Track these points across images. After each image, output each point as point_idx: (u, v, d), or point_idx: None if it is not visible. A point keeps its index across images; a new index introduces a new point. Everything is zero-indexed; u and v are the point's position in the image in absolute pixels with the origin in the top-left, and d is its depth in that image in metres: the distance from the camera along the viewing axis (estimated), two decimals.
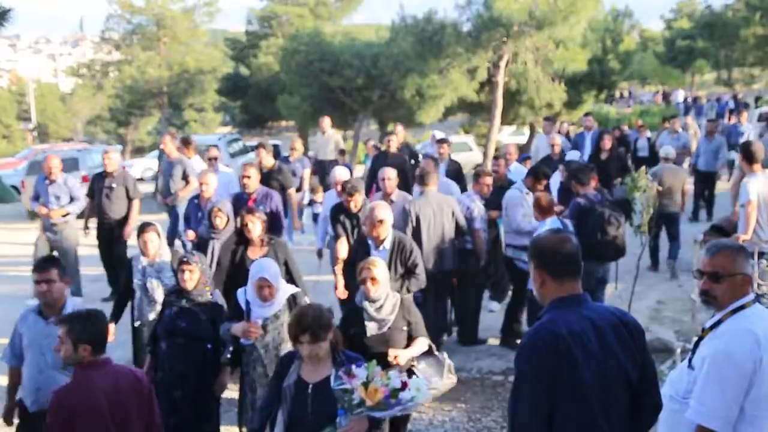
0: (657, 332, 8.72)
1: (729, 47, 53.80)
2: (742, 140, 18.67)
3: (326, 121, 18.00)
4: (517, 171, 11.47)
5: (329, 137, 17.67)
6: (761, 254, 7.49)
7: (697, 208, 16.10)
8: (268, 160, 12.19)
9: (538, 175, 9.42)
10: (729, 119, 23.65)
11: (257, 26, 36.96)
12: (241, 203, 9.35)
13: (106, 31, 31.56)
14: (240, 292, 6.00)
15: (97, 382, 4.27)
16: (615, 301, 9.51)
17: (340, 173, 9.93)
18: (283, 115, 31.26)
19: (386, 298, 5.83)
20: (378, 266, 5.77)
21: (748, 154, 8.21)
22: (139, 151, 50.88)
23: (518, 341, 9.00)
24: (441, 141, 12.90)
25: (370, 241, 7.33)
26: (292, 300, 6.01)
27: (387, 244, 7.23)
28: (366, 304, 5.79)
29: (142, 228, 7.39)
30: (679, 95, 50.60)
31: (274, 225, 8.90)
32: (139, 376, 4.60)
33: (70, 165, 22.07)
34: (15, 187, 21.40)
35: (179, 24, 29.74)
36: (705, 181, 15.99)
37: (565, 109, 31.31)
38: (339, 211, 8.64)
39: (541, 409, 3.22)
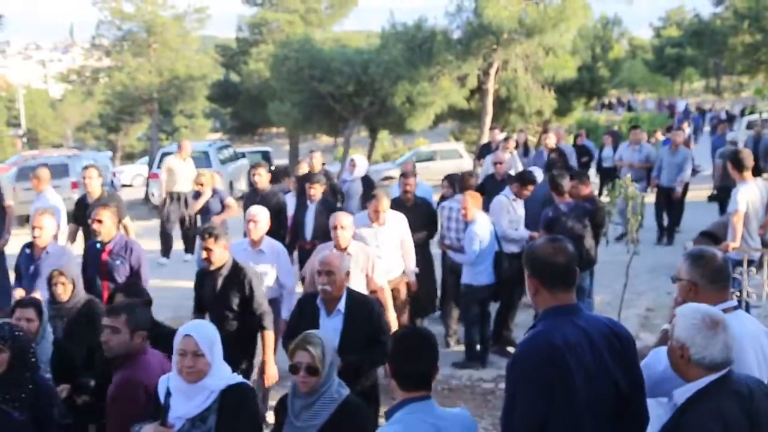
0: (646, 340, 8.74)
1: (717, 55, 54.11)
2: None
3: (186, 145, 15.07)
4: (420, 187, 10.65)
5: (187, 165, 14.66)
6: (750, 262, 7.53)
7: (662, 230, 14.44)
8: (96, 187, 9.67)
9: (524, 180, 9.52)
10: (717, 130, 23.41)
11: (247, 33, 36.94)
12: (93, 256, 7.27)
13: (97, 37, 31.44)
14: (162, 380, 4.25)
15: (156, 367, 4.49)
16: (605, 309, 9.53)
17: (255, 212, 7.55)
18: (274, 121, 31.21)
19: (321, 395, 4.09)
20: (319, 346, 4.05)
21: (736, 162, 8.22)
22: (129, 158, 50.80)
23: (508, 348, 9.02)
24: (309, 179, 10.48)
25: (318, 303, 5.52)
26: (235, 399, 4.06)
27: (341, 306, 5.49)
28: (296, 402, 4.15)
29: (18, 306, 5.60)
30: (681, 105, 50.62)
31: (133, 289, 5.95)
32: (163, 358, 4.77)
33: (60, 171, 22.04)
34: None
35: (169, 30, 29.65)
36: (669, 198, 14.22)
37: (555, 116, 31.43)
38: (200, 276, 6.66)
39: (535, 421, 3.20)
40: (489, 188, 11.00)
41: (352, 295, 5.58)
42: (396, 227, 8.20)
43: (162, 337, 4.95)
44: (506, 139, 15.00)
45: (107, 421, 4.44)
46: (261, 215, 7.46)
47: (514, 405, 3.27)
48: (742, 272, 7.15)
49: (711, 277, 3.77)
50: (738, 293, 6.95)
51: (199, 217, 12.52)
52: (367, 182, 11.67)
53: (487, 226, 8.59)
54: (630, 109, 55.20)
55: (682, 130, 23.22)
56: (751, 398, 3.12)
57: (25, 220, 22.14)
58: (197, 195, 12.28)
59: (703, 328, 3.12)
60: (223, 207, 11.92)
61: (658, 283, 11.66)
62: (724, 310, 3.59)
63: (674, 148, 14.25)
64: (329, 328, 5.30)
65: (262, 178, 10.44)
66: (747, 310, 7.25)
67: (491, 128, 17.19)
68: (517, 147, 16.52)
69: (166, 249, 14.77)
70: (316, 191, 9.78)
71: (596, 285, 9.83)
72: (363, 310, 5.47)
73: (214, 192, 12.07)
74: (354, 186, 11.63)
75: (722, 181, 14.09)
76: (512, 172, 12.03)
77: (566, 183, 8.93)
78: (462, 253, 8.72)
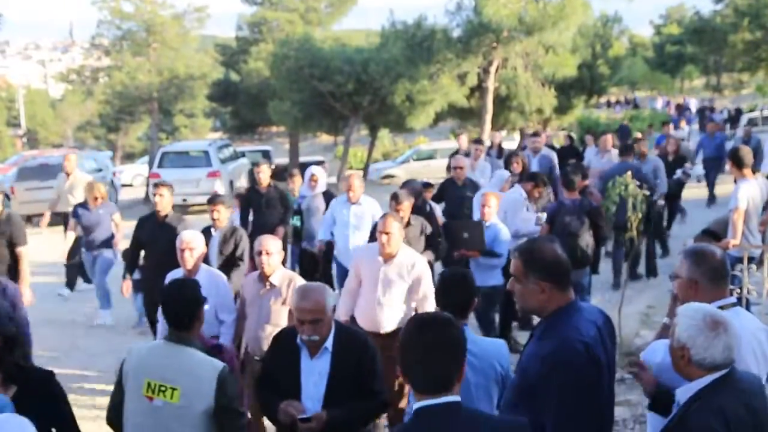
0: (647, 337, 8.71)
1: (718, 53, 54.04)
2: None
3: (72, 159, 13.14)
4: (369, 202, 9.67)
5: (77, 180, 12.67)
6: (750, 259, 7.52)
7: (663, 243, 13.06)
8: None
9: (537, 180, 9.56)
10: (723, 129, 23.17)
11: (247, 32, 36.88)
12: None
13: (96, 37, 31.42)
14: None
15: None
16: (605, 306, 9.48)
17: (189, 238, 6.52)
18: (274, 120, 31.22)
19: None
20: None
21: (736, 159, 8.23)
22: (129, 157, 50.82)
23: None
24: (211, 202, 8.51)
25: (299, 342, 4.46)
26: None
27: (329, 344, 4.45)
28: None
29: None
30: (691, 104, 50.30)
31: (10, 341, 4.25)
32: (228, 349, 4.86)
33: (60, 171, 22.05)
34: (5, 193, 21.37)
35: (169, 30, 29.63)
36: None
37: (555, 114, 31.44)
38: None
39: (600, 422, 3.19)
40: (449, 193, 10.81)
41: (341, 329, 4.56)
42: (412, 268, 6.47)
43: (32, 381, 3.98)
44: (477, 141, 13.70)
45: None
46: (196, 241, 6.48)
47: (572, 413, 3.17)
48: (742, 269, 7.14)
49: (711, 274, 3.79)
50: (738, 290, 6.94)
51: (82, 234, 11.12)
52: (329, 198, 10.37)
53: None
54: (636, 106, 55.09)
55: (680, 128, 23.15)
56: (754, 395, 3.12)
57: (26, 220, 22.19)
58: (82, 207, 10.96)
59: (705, 329, 3.11)
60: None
61: (658, 280, 11.65)
62: (723, 307, 3.60)
63: (642, 159, 12.61)
64: (314, 372, 4.40)
65: (164, 200, 8.54)
66: (747, 307, 7.24)
67: (457, 134, 16.86)
68: (491, 147, 15.81)
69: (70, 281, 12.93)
70: (221, 216, 8.30)
71: (596, 282, 9.84)
72: (355, 347, 4.43)
73: (105, 206, 10.90)
74: (315, 202, 10.45)
75: None
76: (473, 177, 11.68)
77: (577, 179, 8.99)
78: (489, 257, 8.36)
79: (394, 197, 7.93)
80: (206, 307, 4.38)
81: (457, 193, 10.62)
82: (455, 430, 2.70)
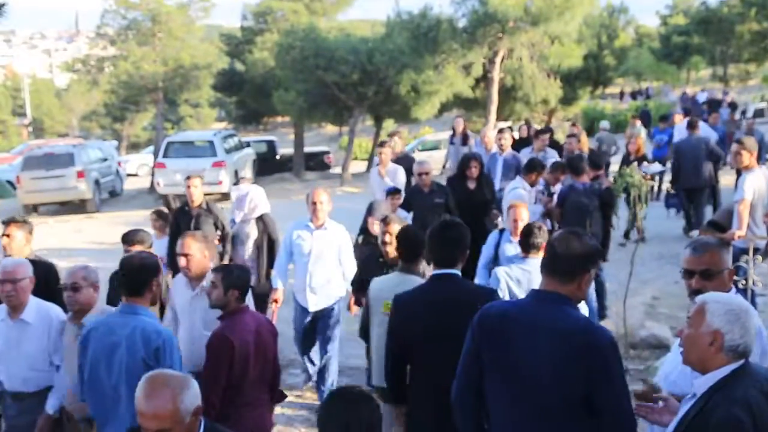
0: (652, 328, 8.73)
1: (724, 43, 53.82)
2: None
3: None
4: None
5: None
6: (756, 250, 7.51)
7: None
8: None
9: (535, 168, 9.58)
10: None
11: (252, 22, 36.84)
12: None
13: (101, 26, 31.34)
14: None
15: (248, 323, 4.96)
16: (610, 297, 9.51)
17: (11, 266, 5.18)
18: (279, 110, 31.21)
19: None
20: None
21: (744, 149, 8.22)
22: (134, 147, 50.88)
23: None
24: (127, 241, 6.67)
25: None
26: None
27: None
28: None
29: None
30: (701, 96, 50.06)
31: None
32: (269, 320, 5.47)
33: (66, 161, 22.12)
34: (10, 183, 21.43)
35: (174, 19, 29.56)
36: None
37: (561, 105, 31.38)
38: None
39: (468, 379, 3.61)
40: (416, 201, 9.86)
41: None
42: None
43: None
44: (381, 144, 12.25)
45: (203, 370, 4.89)
46: (21, 271, 5.07)
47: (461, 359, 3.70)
48: (747, 260, 7.13)
49: None
50: (744, 281, 6.94)
51: None
52: (266, 225, 8.45)
53: None
54: (648, 98, 54.82)
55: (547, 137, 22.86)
56: None
57: (32, 209, 22.25)
58: None
59: (741, 315, 3.10)
60: None
61: (664, 271, 11.64)
62: None
63: (570, 152, 11.78)
64: None
65: (15, 242, 6.17)
66: (753, 298, 7.25)
67: (391, 133, 15.95)
68: (454, 135, 15.08)
69: None
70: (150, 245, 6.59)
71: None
72: None
73: None
74: (245, 229, 8.40)
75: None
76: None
77: (584, 165, 9.17)
78: None
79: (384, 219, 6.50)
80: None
81: (425, 201, 9.75)
82: (455, 287, 4.37)
